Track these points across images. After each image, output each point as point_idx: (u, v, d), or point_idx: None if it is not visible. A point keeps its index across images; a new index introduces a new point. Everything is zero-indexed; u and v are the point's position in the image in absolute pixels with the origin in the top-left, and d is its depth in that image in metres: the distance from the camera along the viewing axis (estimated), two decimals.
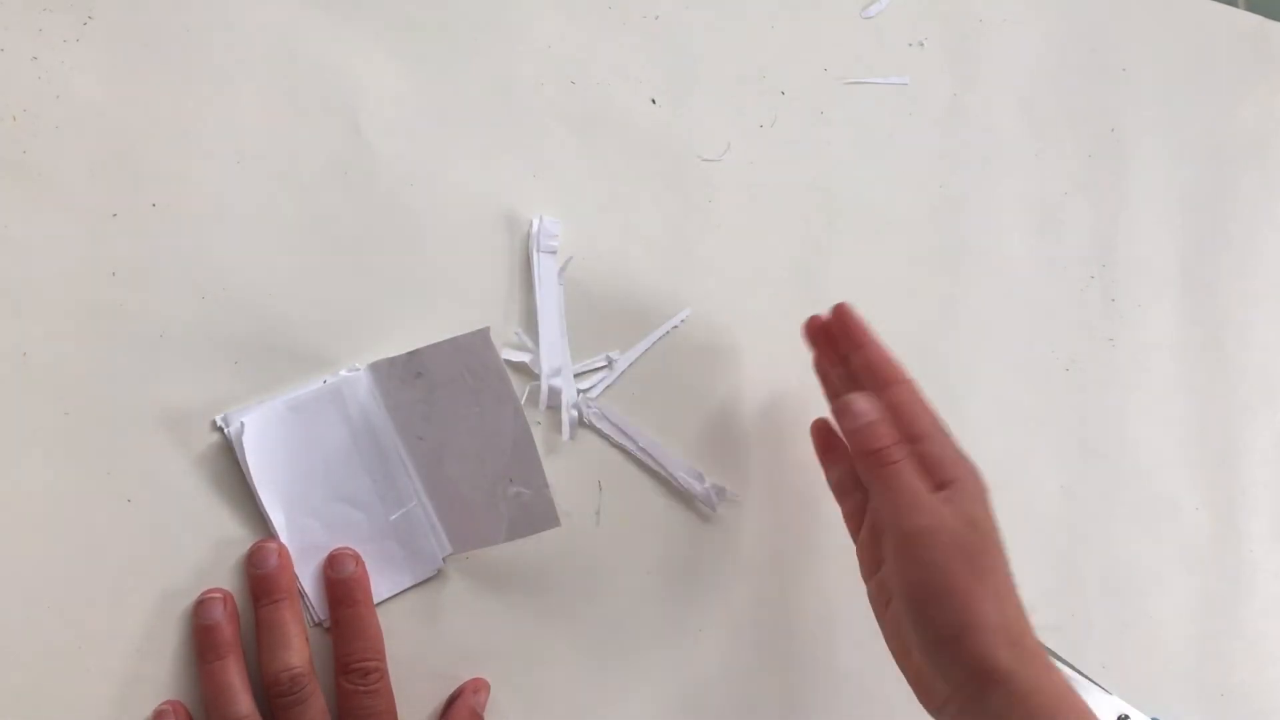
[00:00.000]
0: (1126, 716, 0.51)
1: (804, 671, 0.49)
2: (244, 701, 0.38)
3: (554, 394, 0.46)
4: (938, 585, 0.39)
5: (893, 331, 0.53)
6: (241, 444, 0.40)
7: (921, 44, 0.56)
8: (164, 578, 0.40)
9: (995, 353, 0.55)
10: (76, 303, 0.40)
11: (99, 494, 0.39)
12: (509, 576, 0.45)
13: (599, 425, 0.46)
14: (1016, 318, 0.55)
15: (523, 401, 0.45)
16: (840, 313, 0.46)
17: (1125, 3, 0.61)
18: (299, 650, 0.40)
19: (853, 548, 0.49)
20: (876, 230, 0.53)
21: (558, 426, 0.46)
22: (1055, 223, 0.57)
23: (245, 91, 0.43)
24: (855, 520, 0.45)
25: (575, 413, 0.46)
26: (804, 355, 0.51)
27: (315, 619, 0.41)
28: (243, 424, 0.40)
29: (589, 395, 0.46)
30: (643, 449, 0.47)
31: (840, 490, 0.46)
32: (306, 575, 0.41)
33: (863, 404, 0.42)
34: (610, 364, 0.47)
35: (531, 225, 0.46)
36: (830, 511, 0.50)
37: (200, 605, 0.40)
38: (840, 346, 0.46)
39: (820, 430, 0.47)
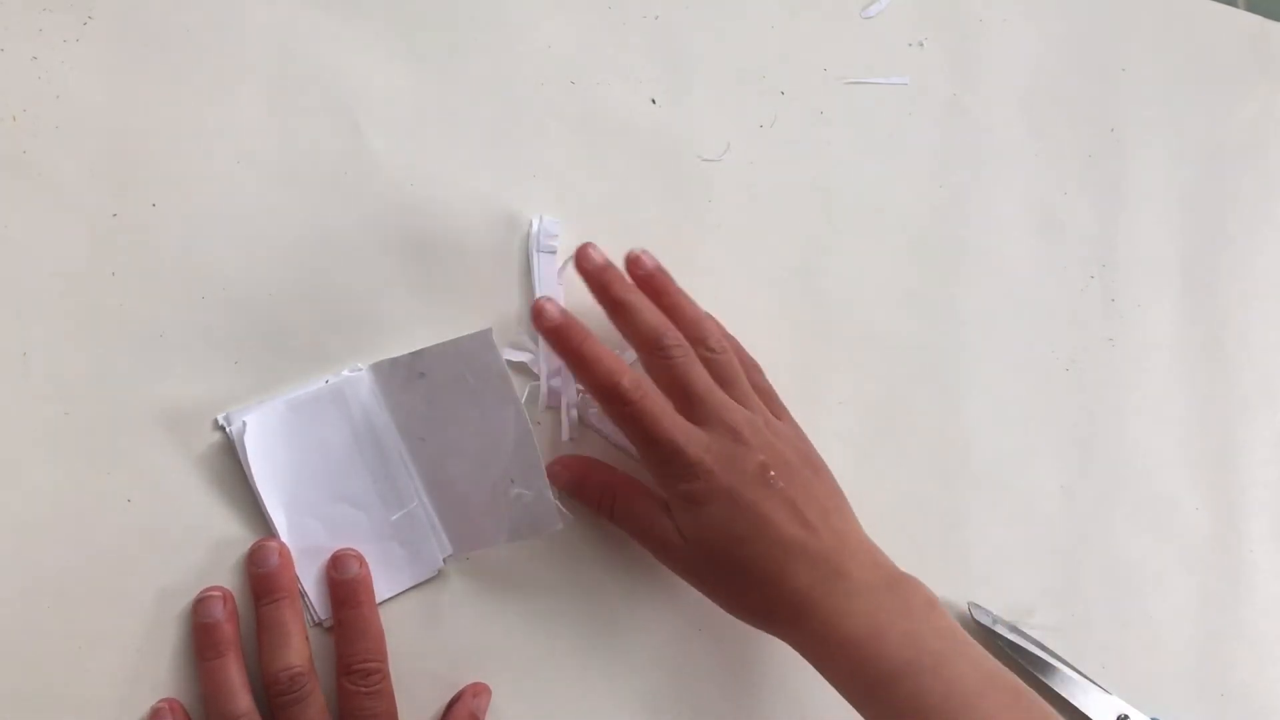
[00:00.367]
0: (1126, 716, 0.51)
1: (804, 671, 0.49)
2: (243, 700, 0.39)
3: (554, 394, 0.46)
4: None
5: (893, 331, 0.53)
6: (243, 443, 0.40)
7: (921, 44, 0.56)
8: (164, 577, 0.40)
9: (995, 353, 0.55)
10: (76, 303, 0.40)
11: (99, 494, 0.39)
12: (509, 577, 0.45)
13: (599, 425, 0.46)
14: (1016, 318, 0.55)
15: (523, 401, 0.45)
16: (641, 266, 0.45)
17: (1125, 3, 0.61)
18: (299, 649, 0.40)
19: None
20: (876, 230, 0.53)
21: (558, 427, 0.46)
22: (1055, 223, 0.57)
23: (245, 91, 0.43)
24: None
25: (575, 413, 0.46)
26: (804, 355, 0.51)
27: (315, 619, 0.41)
28: (244, 423, 0.40)
29: (588, 395, 0.46)
30: None
31: None
32: (307, 575, 0.41)
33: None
34: None
35: (531, 225, 0.46)
36: None
37: (200, 603, 0.40)
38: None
39: None
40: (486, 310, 0.46)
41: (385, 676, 0.41)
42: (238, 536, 0.41)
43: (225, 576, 0.40)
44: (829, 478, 0.45)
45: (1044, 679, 0.51)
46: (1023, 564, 0.53)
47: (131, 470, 0.40)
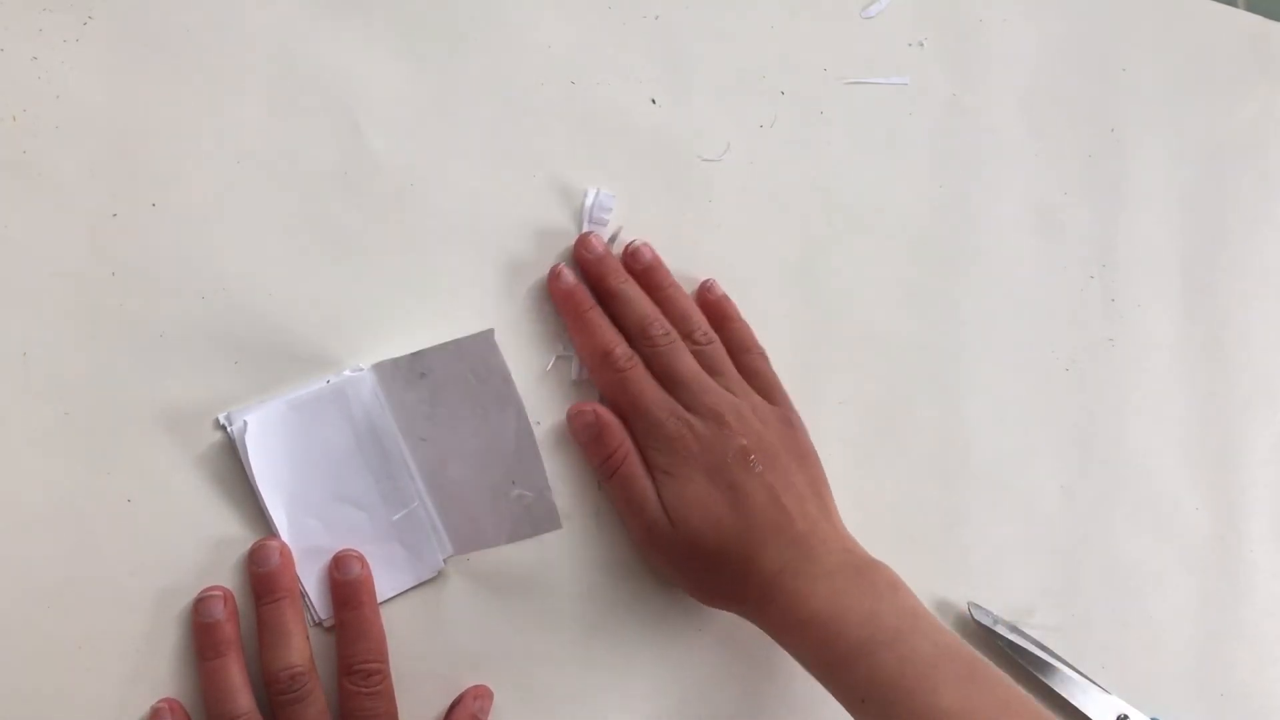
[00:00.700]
0: (1126, 716, 0.51)
1: (804, 671, 0.49)
2: (243, 699, 0.39)
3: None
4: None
5: (893, 331, 0.53)
6: (244, 443, 0.40)
7: (921, 44, 0.56)
8: (164, 577, 0.40)
9: (995, 353, 0.55)
10: (76, 303, 0.40)
11: (99, 494, 0.39)
12: (510, 577, 0.45)
13: None
14: (1016, 318, 0.55)
15: (550, 368, 0.46)
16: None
17: (1125, 3, 0.61)
18: (299, 649, 0.40)
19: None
20: (876, 230, 0.53)
21: (561, 426, 0.46)
22: (1055, 223, 0.57)
23: (245, 91, 0.43)
24: None
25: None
26: (804, 355, 0.51)
27: (316, 619, 0.41)
28: (246, 423, 0.40)
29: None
30: None
31: None
32: (308, 575, 0.41)
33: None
34: None
35: (586, 197, 0.47)
36: None
37: (200, 603, 0.40)
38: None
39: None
40: (487, 310, 0.46)
41: (386, 677, 0.41)
42: (238, 536, 0.41)
43: (226, 576, 0.40)
44: (813, 465, 0.46)
45: (1044, 679, 0.51)
46: (1023, 564, 0.53)
47: (131, 470, 0.40)
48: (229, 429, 0.41)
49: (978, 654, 0.40)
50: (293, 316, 0.43)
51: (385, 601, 0.42)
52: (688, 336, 0.46)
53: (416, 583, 0.43)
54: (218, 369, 0.41)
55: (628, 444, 0.44)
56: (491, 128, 0.47)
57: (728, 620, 0.47)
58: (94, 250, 0.40)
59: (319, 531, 0.42)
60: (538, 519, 0.42)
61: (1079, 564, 0.54)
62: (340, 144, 0.44)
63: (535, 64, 0.48)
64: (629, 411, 0.44)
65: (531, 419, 0.42)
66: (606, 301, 0.46)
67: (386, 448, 0.42)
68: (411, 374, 0.42)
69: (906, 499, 0.52)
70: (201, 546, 0.40)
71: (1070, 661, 0.51)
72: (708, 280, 0.48)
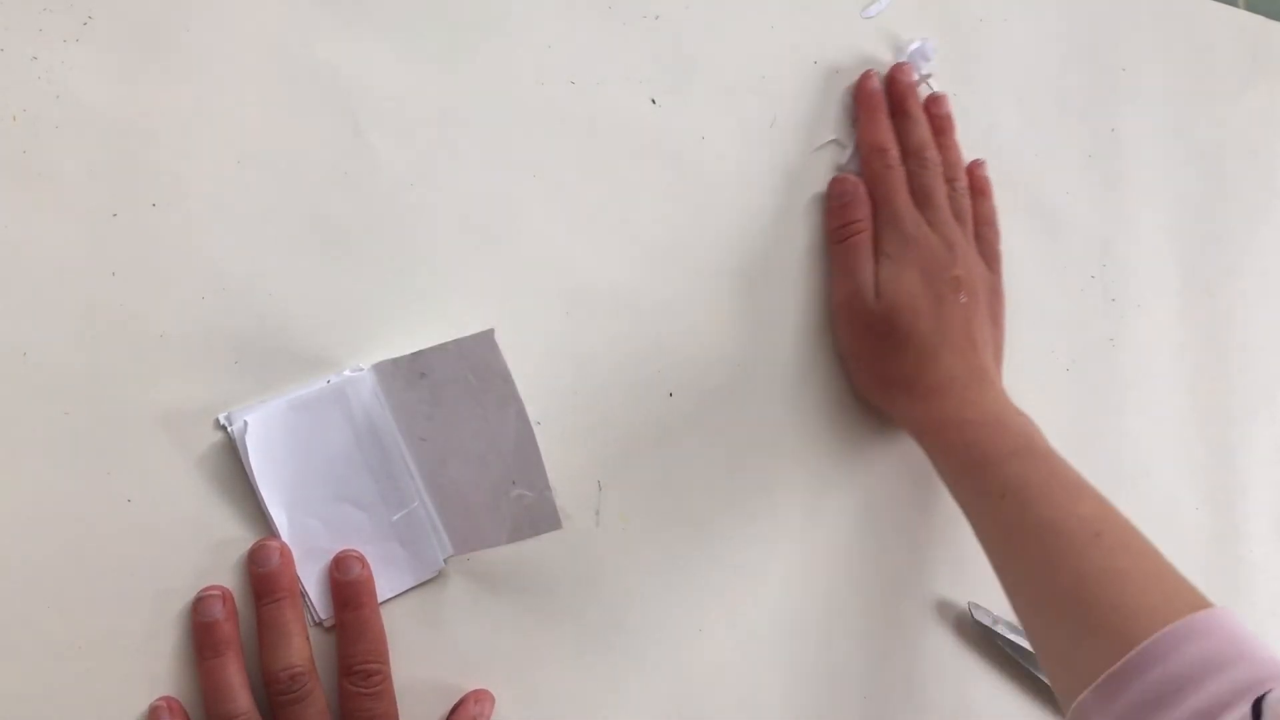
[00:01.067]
0: None
1: (804, 671, 0.49)
2: (242, 699, 0.39)
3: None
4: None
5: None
6: (244, 442, 0.40)
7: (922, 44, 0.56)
8: (164, 577, 0.40)
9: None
10: (76, 303, 0.40)
11: (99, 494, 0.39)
12: (510, 577, 0.45)
13: None
14: (1017, 317, 0.55)
15: (818, 149, 0.49)
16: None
17: (1125, 3, 0.61)
18: (299, 649, 0.40)
19: (852, 555, 0.49)
20: None
21: (565, 423, 0.46)
22: (1055, 223, 0.57)
23: (245, 91, 0.43)
24: None
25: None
26: (804, 354, 0.51)
27: (316, 619, 0.41)
28: (246, 422, 0.40)
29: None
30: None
31: None
32: (308, 575, 0.41)
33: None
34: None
35: (911, 43, 0.54)
36: (829, 513, 0.50)
37: (199, 603, 0.40)
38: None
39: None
40: (487, 310, 0.46)
41: (386, 678, 0.41)
42: (238, 536, 0.41)
43: (226, 576, 0.40)
44: (1000, 333, 0.52)
45: (1044, 678, 0.51)
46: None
47: (131, 470, 0.40)
48: (229, 429, 0.41)
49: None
50: (293, 316, 0.43)
51: (385, 601, 0.42)
52: (948, 180, 0.52)
53: (416, 583, 0.43)
54: (218, 369, 0.41)
55: (870, 223, 0.50)
56: (492, 128, 0.47)
57: (727, 620, 0.47)
58: (94, 250, 0.40)
59: (319, 531, 0.42)
60: (538, 519, 0.42)
61: None
62: (340, 144, 0.44)
63: (535, 64, 0.48)
64: (881, 201, 0.50)
65: (532, 419, 0.42)
66: (898, 118, 0.52)
67: (386, 448, 0.42)
68: (411, 374, 0.42)
69: (906, 499, 0.52)
70: (201, 546, 0.40)
71: None
72: (979, 160, 0.54)
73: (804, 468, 0.50)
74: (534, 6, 0.48)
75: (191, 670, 0.40)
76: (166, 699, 0.39)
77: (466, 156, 0.46)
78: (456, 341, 0.41)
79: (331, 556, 0.42)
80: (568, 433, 0.46)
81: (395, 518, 0.43)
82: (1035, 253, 0.56)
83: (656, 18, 0.50)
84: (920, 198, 0.50)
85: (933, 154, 0.51)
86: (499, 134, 0.47)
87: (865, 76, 0.52)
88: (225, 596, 0.40)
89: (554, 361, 0.46)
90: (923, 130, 0.52)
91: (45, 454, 0.39)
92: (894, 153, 0.51)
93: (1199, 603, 0.38)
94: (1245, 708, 0.32)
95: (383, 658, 0.41)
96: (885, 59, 0.55)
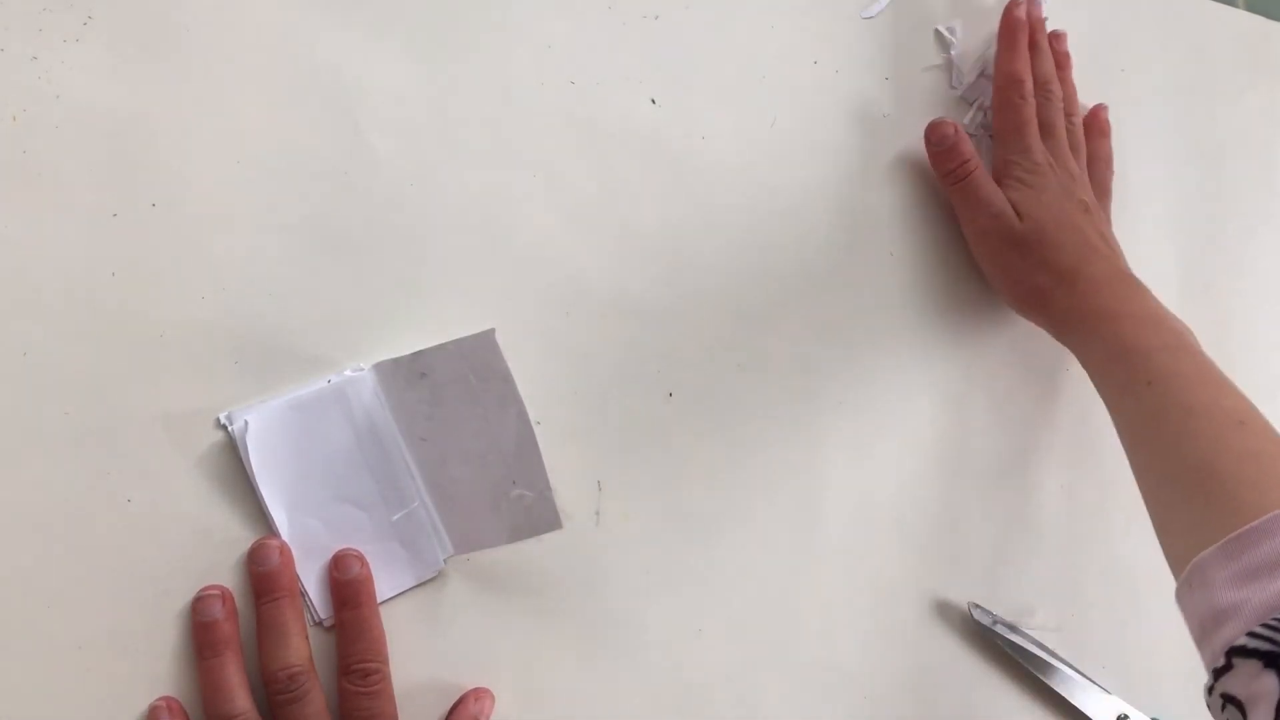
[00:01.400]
0: (1126, 716, 0.51)
1: (804, 671, 0.49)
2: (241, 698, 0.39)
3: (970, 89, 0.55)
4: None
5: (893, 331, 0.53)
6: (245, 442, 0.40)
7: (922, 44, 0.56)
8: (164, 577, 0.40)
9: (996, 352, 0.55)
10: (76, 303, 0.40)
11: (99, 494, 0.39)
12: (510, 577, 0.45)
13: None
14: (1017, 317, 0.55)
15: (926, 69, 0.50)
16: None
17: (1125, 3, 0.61)
18: (298, 648, 0.40)
19: (852, 555, 0.49)
20: (877, 229, 0.53)
21: (565, 423, 0.46)
22: None
23: (245, 91, 0.43)
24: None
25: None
26: (804, 354, 0.51)
27: (316, 618, 0.41)
28: (246, 422, 0.40)
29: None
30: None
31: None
32: (308, 574, 0.41)
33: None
34: None
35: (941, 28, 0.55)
36: (827, 514, 0.50)
37: (199, 602, 0.40)
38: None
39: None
40: (486, 310, 0.46)
41: (385, 677, 0.41)
42: (238, 536, 0.41)
43: (226, 575, 0.40)
44: (1115, 238, 0.54)
45: (1044, 679, 0.51)
46: (1023, 564, 0.53)
47: (131, 470, 0.40)
48: (229, 429, 0.41)
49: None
50: (293, 316, 0.43)
51: (385, 601, 0.42)
52: (1066, 115, 0.54)
53: (416, 583, 0.43)
54: (218, 369, 0.41)
55: (977, 157, 0.52)
56: (491, 128, 0.47)
57: (727, 620, 0.47)
58: (94, 250, 0.40)
59: (319, 531, 0.42)
60: (538, 519, 0.42)
61: (1079, 564, 0.54)
62: (340, 144, 0.44)
63: (535, 64, 0.48)
64: (1011, 132, 0.52)
65: (532, 419, 0.42)
66: (1030, 50, 0.54)
67: (387, 448, 0.42)
68: (412, 374, 0.42)
69: (906, 499, 0.52)
70: (201, 546, 0.40)
71: (1070, 661, 0.51)
72: (1103, 105, 0.57)
73: (804, 467, 0.50)
74: (534, 6, 0.48)
75: (191, 670, 0.40)
76: (166, 699, 0.39)
77: (466, 156, 0.46)
78: (457, 341, 0.41)
79: (331, 556, 0.42)
80: (568, 433, 0.46)
81: (395, 518, 0.43)
82: None
83: (656, 18, 0.50)
84: (1044, 129, 0.53)
85: (1056, 88, 0.54)
86: (499, 134, 0.47)
87: (1013, 4, 0.54)
88: (225, 596, 0.40)
89: (554, 361, 0.46)
90: (1049, 64, 0.54)
91: (45, 454, 0.39)
92: (1029, 85, 0.53)
93: None
94: None
95: (382, 657, 0.41)
96: (885, 58, 0.55)
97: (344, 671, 0.40)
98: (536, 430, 0.41)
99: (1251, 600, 0.35)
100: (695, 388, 0.49)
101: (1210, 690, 0.37)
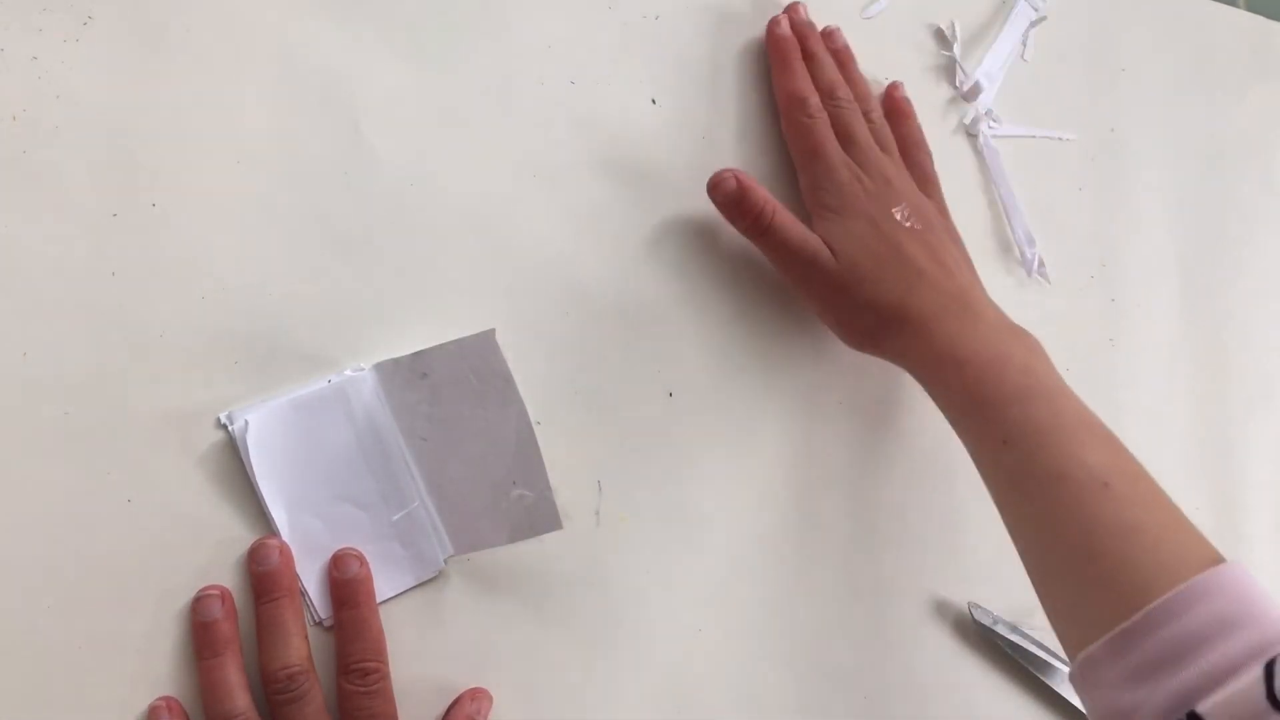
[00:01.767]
0: None
1: (804, 671, 0.49)
2: (241, 698, 0.39)
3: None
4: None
5: None
6: (245, 442, 0.40)
7: (921, 44, 0.56)
8: (164, 576, 0.40)
9: None
10: (76, 303, 0.40)
11: (99, 494, 0.39)
12: (510, 577, 0.45)
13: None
14: (1016, 318, 0.55)
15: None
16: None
17: (1125, 3, 0.61)
18: (298, 648, 0.40)
19: (852, 555, 0.49)
20: None
21: (565, 423, 0.46)
22: (1055, 223, 0.57)
23: (245, 91, 0.43)
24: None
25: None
26: (804, 354, 0.51)
27: (316, 618, 0.41)
28: (246, 422, 0.40)
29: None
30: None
31: None
32: (308, 574, 0.41)
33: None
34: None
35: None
36: (827, 514, 0.50)
37: (198, 602, 0.40)
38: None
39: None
40: (486, 310, 0.46)
41: (384, 676, 0.41)
42: (238, 535, 0.41)
43: (226, 575, 0.40)
44: (963, 246, 0.49)
45: (1044, 679, 0.51)
46: (1023, 564, 0.53)
47: (131, 470, 0.40)
48: (229, 429, 0.41)
49: (1111, 430, 0.42)
50: (293, 316, 0.43)
51: (385, 601, 0.42)
52: (865, 114, 0.50)
53: (416, 583, 0.43)
54: (218, 369, 0.41)
55: (772, 200, 0.47)
56: (491, 128, 0.47)
57: (727, 621, 0.47)
58: (94, 250, 0.40)
59: (319, 531, 0.42)
60: (538, 519, 0.42)
61: None
62: (340, 144, 0.44)
63: (535, 64, 0.48)
64: (808, 157, 0.48)
65: (532, 419, 0.42)
66: (805, 60, 0.50)
67: (387, 447, 0.42)
68: (412, 374, 0.42)
69: (906, 499, 0.52)
70: (201, 546, 0.40)
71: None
72: (895, 82, 0.53)
73: (804, 467, 0.50)
74: (534, 6, 0.48)
75: (191, 670, 0.40)
76: (166, 699, 0.39)
77: (467, 156, 0.46)
78: (457, 341, 0.41)
79: (331, 556, 0.42)
80: (568, 433, 0.46)
81: (395, 517, 0.43)
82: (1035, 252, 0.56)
83: (656, 18, 0.50)
84: (845, 139, 0.49)
85: (844, 90, 0.50)
86: (499, 134, 0.47)
87: (773, 23, 0.50)
88: (224, 596, 0.40)
89: (554, 361, 0.46)
90: (830, 70, 0.50)
91: (45, 454, 0.39)
92: (814, 100, 0.49)
93: (1211, 557, 0.38)
94: (1258, 670, 0.32)
95: (381, 656, 0.41)
96: (886, 58, 0.55)
97: (343, 671, 0.40)
98: (536, 430, 0.41)
99: (1150, 701, 0.34)
100: (695, 388, 0.49)
101: None
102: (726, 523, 0.48)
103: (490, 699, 0.43)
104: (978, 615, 0.51)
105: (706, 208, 0.50)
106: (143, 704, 0.39)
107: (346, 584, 0.41)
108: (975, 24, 0.57)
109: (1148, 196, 0.59)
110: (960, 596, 0.52)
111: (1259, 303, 0.61)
